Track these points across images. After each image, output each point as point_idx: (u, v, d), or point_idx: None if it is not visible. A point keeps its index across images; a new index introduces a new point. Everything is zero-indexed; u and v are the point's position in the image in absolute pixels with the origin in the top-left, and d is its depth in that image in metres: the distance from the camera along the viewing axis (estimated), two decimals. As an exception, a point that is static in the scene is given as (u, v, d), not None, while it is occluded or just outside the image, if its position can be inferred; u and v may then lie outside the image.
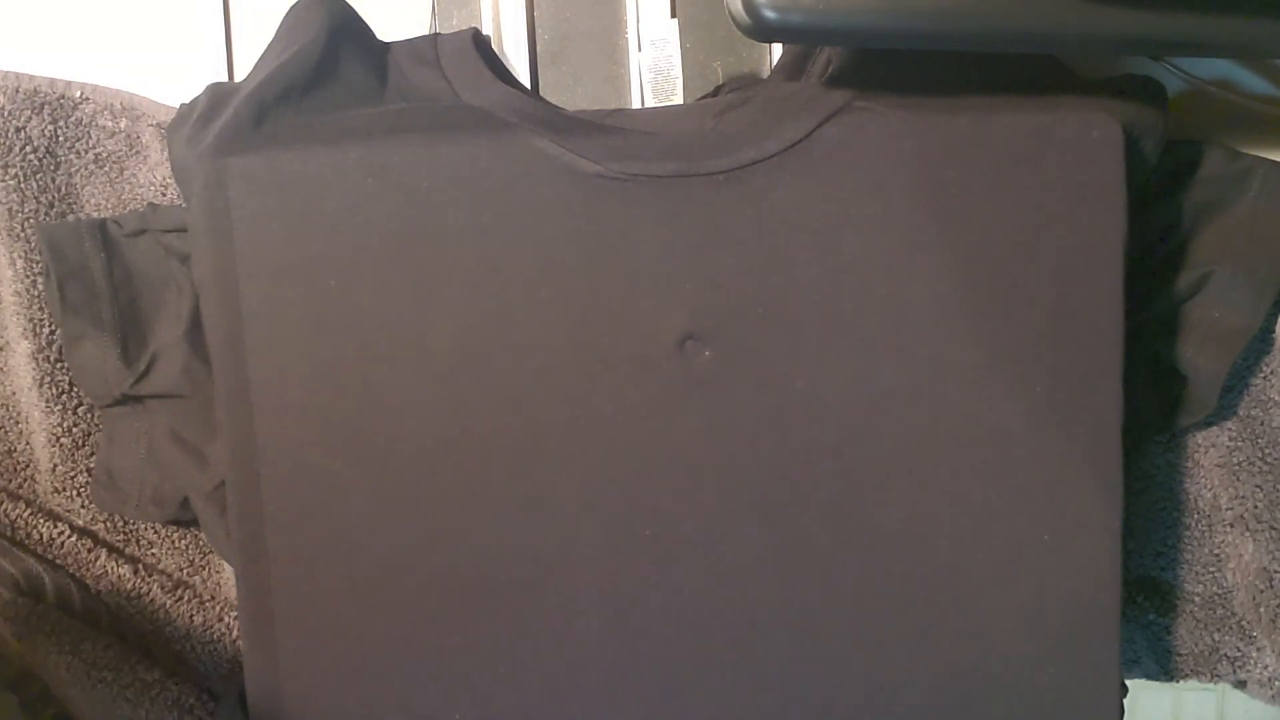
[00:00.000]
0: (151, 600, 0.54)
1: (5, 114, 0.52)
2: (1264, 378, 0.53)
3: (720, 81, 0.55)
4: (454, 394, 0.44)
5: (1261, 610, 0.54)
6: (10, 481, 0.54)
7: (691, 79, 0.55)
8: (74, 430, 0.53)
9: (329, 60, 0.45)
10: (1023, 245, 0.43)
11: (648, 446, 0.44)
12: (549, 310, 0.43)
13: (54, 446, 0.53)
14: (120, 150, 0.53)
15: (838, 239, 0.43)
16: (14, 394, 0.54)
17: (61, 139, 0.53)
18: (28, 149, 0.52)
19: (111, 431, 0.52)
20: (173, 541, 0.55)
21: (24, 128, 0.52)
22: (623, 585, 0.45)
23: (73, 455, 0.54)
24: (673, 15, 0.55)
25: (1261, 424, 0.54)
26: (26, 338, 0.52)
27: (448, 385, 0.44)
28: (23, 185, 0.52)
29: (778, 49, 0.55)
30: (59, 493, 0.54)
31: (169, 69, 0.55)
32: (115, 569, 0.53)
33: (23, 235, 0.52)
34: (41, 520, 0.53)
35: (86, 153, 0.53)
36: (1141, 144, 0.45)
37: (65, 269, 0.50)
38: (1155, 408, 0.52)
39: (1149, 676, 0.58)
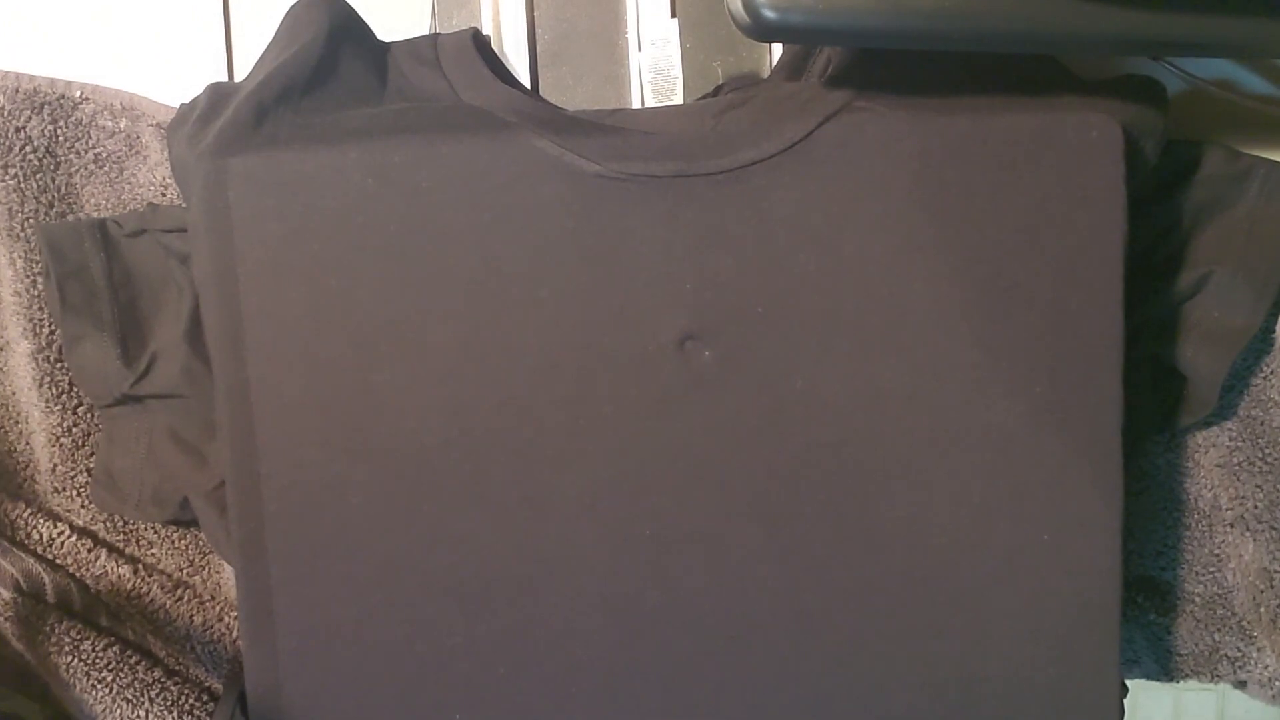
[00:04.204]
0: (151, 600, 0.54)
1: (5, 114, 0.52)
2: (1264, 378, 0.53)
3: (720, 81, 0.55)
4: (454, 394, 0.44)
5: (1262, 610, 0.54)
6: (10, 481, 0.54)
7: (691, 79, 0.55)
8: (74, 430, 0.53)
9: (329, 60, 0.45)
10: (1023, 245, 0.43)
11: (648, 446, 0.44)
12: (549, 310, 0.43)
13: (54, 446, 0.53)
14: (120, 150, 0.53)
15: (838, 239, 0.43)
16: (14, 394, 0.54)
17: (61, 139, 0.53)
18: (28, 149, 0.52)
19: (111, 431, 0.52)
20: (173, 541, 0.55)
21: (24, 127, 0.52)
22: (623, 585, 0.45)
23: (73, 455, 0.54)
24: (673, 15, 0.55)
25: (1261, 424, 0.54)
26: (26, 338, 0.52)
27: (448, 385, 0.44)
28: (23, 185, 0.52)
29: (778, 49, 0.55)
30: (59, 493, 0.54)
31: (169, 69, 0.55)
32: (115, 569, 0.53)
33: (23, 235, 0.52)
34: (41, 520, 0.53)
35: (86, 153, 0.53)
36: (1141, 144, 0.45)
37: (65, 269, 0.50)
38: (1155, 408, 0.52)
39: (1149, 676, 0.58)
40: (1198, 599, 0.56)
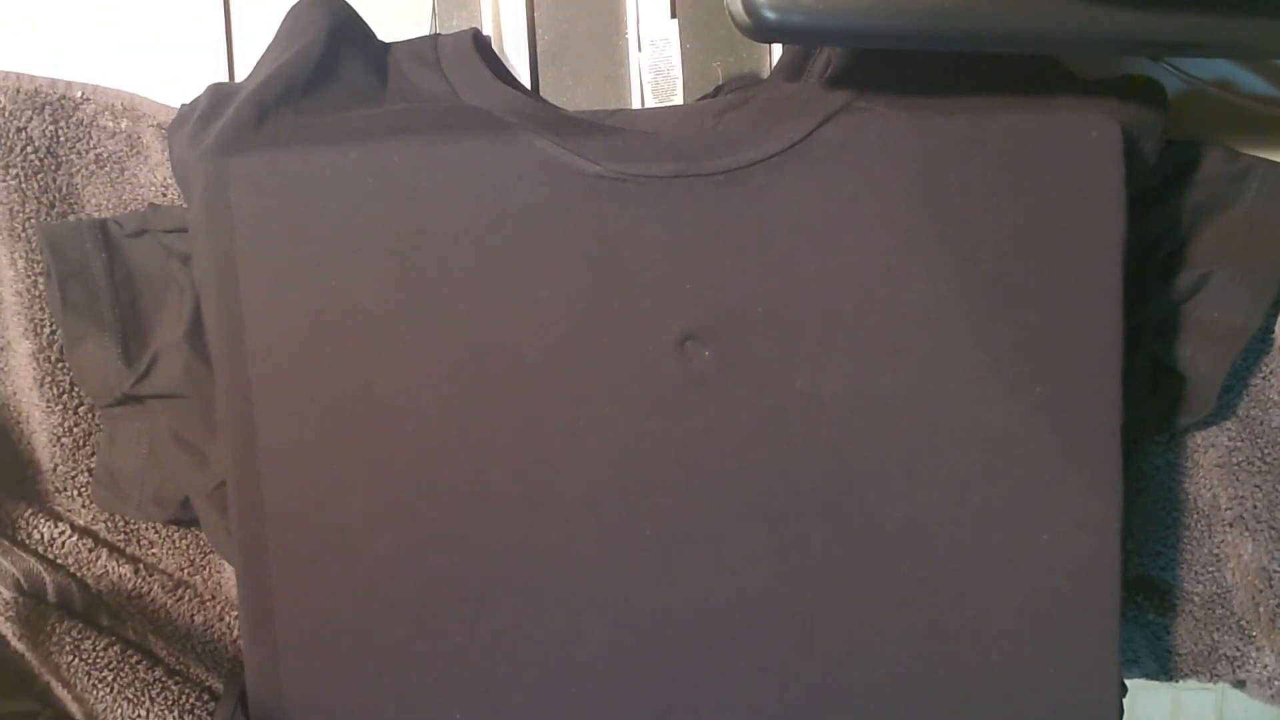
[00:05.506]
0: (152, 600, 0.54)
1: (6, 114, 0.52)
2: (1263, 378, 0.53)
3: (720, 81, 0.55)
4: (454, 394, 0.44)
5: (1261, 610, 0.55)
6: (11, 481, 0.54)
7: (691, 79, 0.55)
8: (75, 430, 0.53)
9: (329, 60, 0.45)
10: (1022, 245, 0.43)
11: (648, 447, 0.44)
12: (549, 310, 0.43)
13: (55, 446, 0.53)
14: (121, 150, 0.54)
15: (837, 239, 0.43)
16: (15, 394, 0.54)
17: (62, 139, 0.53)
18: (29, 149, 0.52)
19: (112, 431, 0.52)
20: (173, 541, 0.55)
21: (25, 128, 0.52)
22: (623, 585, 0.45)
23: (73, 455, 0.54)
24: (673, 15, 0.55)
25: (1261, 424, 0.54)
26: (27, 338, 0.52)
27: (448, 385, 0.44)
28: (24, 185, 0.52)
29: (778, 49, 0.55)
30: (60, 492, 0.54)
31: (170, 69, 0.55)
32: (116, 569, 0.53)
33: (24, 235, 0.52)
34: (42, 520, 0.53)
35: (87, 153, 0.53)
36: (1141, 144, 0.45)
37: (66, 269, 0.50)
38: (1155, 407, 0.52)
39: (1148, 676, 0.58)
40: (1197, 599, 0.56)
